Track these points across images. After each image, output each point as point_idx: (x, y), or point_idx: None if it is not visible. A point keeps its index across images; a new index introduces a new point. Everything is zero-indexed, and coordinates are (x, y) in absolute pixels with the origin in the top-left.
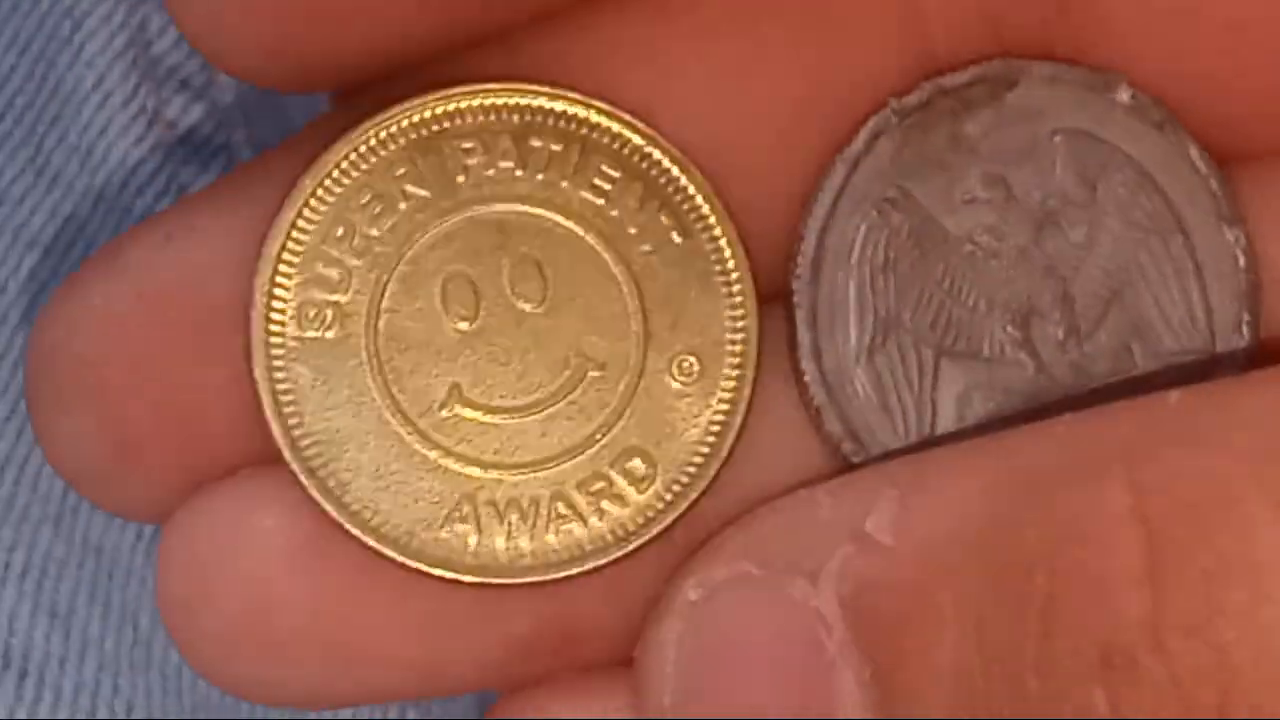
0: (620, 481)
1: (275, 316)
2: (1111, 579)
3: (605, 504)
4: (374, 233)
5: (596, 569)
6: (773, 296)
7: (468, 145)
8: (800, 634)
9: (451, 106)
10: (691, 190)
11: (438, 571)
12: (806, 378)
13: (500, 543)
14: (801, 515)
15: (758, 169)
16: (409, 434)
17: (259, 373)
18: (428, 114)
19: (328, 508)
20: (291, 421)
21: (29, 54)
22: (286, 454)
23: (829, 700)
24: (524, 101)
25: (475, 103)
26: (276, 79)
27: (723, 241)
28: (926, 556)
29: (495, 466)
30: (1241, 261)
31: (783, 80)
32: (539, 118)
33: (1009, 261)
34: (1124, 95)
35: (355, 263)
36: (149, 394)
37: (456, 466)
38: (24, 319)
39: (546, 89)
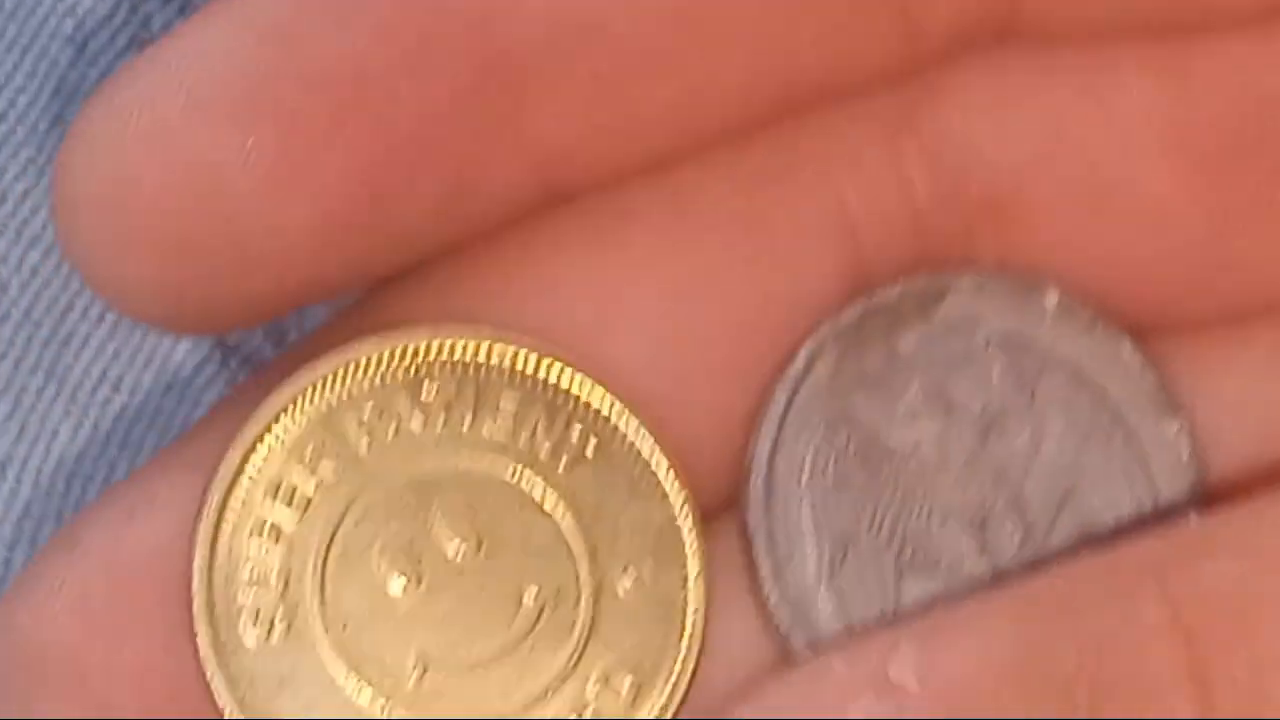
0: (610, 702)
1: (222, 627)
2: (1157, 684)
3: None
4: (294, 527)
5: None
6: (713, 514)
7: (365, 416)
8: None
9: (342, 377)
10: (597, 403)
11: None
12: (771, 603)
13: None
14: (814, 677)
15: (702, 394)
16: (387, 715)
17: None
18: (323, 392)
19: None
20: None
21: (31, 53)
22: None
23: None
24: (413, 347)
25: (366, 366)
26: (179, 325)
27: (642, 446)
28: (956, 689)
29: None
30: (1185, 455)
31: (721, 305)
32: (428, 362)
33: (958, 471)
34: (1052, 300)
35: (284, 558)
36: (125, 676)
37: None
38: (25, 317)
39: (429, 331)
